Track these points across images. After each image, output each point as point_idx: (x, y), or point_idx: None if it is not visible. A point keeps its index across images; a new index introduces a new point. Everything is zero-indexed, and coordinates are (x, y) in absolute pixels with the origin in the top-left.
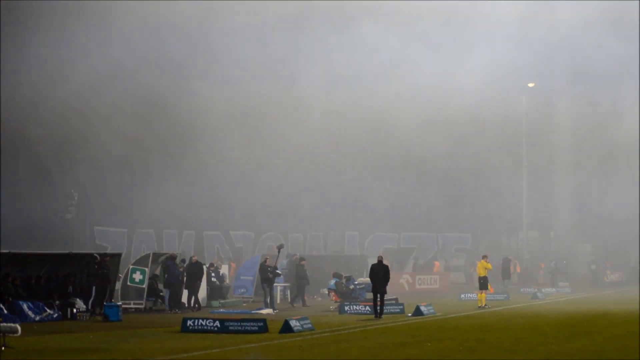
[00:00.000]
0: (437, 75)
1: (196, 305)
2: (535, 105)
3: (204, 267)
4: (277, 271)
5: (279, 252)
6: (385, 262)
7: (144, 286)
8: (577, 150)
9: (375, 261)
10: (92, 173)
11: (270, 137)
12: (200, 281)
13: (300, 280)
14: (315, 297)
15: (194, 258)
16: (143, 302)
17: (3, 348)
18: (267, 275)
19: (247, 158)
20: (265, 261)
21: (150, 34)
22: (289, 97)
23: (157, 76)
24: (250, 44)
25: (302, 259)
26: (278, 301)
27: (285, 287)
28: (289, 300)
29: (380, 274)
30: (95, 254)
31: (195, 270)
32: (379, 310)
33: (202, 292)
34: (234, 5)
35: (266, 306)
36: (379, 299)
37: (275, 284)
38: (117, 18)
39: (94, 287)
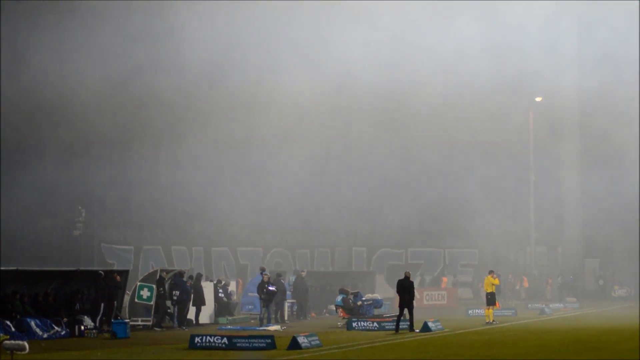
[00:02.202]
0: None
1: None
2: (542, 119)
3: (212, 283)
4: (270, 288)
5: (261, 274)
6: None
7: (151, 303)
8: (584, 163)
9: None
10: (99, 189)
11: (278, 153)
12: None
13: (299, 294)
14: (324, 312)
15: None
16: (151, 319)
17: None
18: (261, 294)
19: (255, 173)
20: (263, 279)
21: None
22: (294, 107)
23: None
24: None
25: (279, 274)
26: (286, 317)
27: (292, 303)
28: (296, 315)
29: (406, 290)
30: (100, 271)
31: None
32: (408, 324)
33: (210, 309)
34: None
35: (262, 323)
36: (405, 314)
37: (285, 301)
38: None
39: (102, 304)
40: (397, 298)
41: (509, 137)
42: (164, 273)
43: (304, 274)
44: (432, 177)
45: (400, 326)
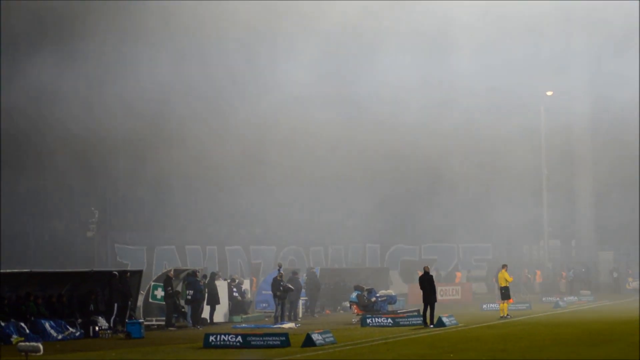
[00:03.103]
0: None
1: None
2: (554, 113)
3: (226, 282)
4: (289, 286)
5: (279, 270)
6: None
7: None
8: (597, 157)
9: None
10: (112, 190)
11: (287, 151)
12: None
13: (310, 291)
14: (338, 309)
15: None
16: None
17: None
18: (276, 291)
19: (269, 172)
20: (278, 276)
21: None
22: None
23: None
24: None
25: (294, 272)
26: (300, 315)
27: (305, 300)
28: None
29: (428, 285)
30: (114, 272)
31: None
32: (429, 319)
33: (224, 308)
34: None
35: (277, 321)
36: (428, 309)
37: (300, 299)
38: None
39: (115, 305)
40: (420, 293)
41: (520, 131)
42: (171, 272)
43: (297, 276)
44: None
45: (414, 321)
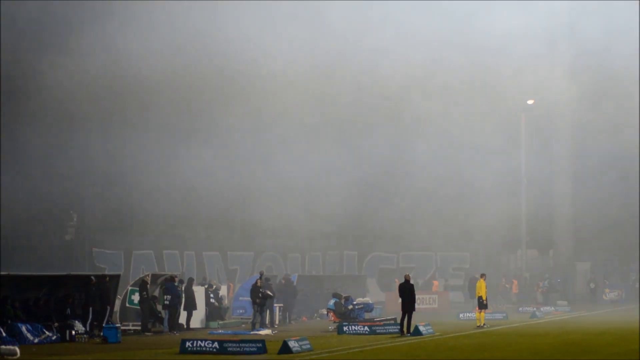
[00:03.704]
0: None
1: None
2: (535, 122)
3: (203, 288)
4: (267, 292)
5: (260, 277)
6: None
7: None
8: (576, 165)
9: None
10: (90, 192)
11: (269, 157)
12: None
13: (285, 298)
14: (315, 316)
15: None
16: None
17: None
18: (256, 297)
19: (246, 177)
20: (258, 283)
21: None
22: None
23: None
24: None
25: (267, 278)
26: (277, 322)
27: (281, 306)
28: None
29: (407, 293)
30: (91, 276)
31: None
32: (405, 328)
33: (201, 314)
34: None
35: (254, 327)
36: (406, 317)
37: (274, 305)
38: None
39: (91, 309)
40: (398, 301)
41: (500, 139)
42: (147, 277)
43: (290, 277)
44: (423, 180)
45: (391, 330)
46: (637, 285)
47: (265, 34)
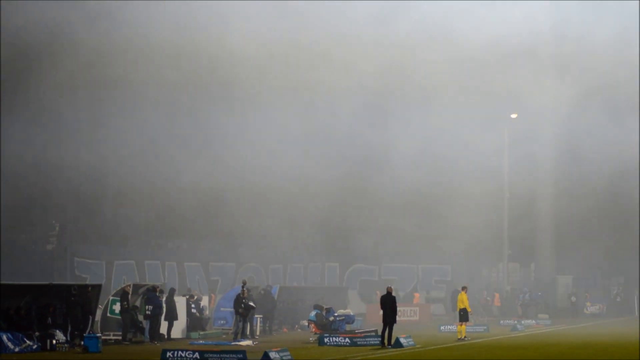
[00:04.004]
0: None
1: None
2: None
3: (185, 298)
4: (250, 303)
5: (242, 287)
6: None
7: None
8: (558, 179)
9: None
10: (73, 204)
11: (253, 167)
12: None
13: (265, 309)
14: (296, 327)
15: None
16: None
17: None
18: (238, 308)
19: (229, 187)
20: (241, 293)
21: None
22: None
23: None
24: None
25: (248, 289)
26: (258, 333)
27: (262, 317)
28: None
29: (389, 305)
30: (74, 286)
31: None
32: (386, 340)
33: (182, 324)
34: None
35: (236, 337)
36: (387, 329)
37: (255, 316)
38: None
39: (69, 319)
40: (379, 313)
41: (483, 152)
42: (128, 287)
43: (269, 288)
44: (405, 192)
45: (372, 341)
46: (618, 300)
47: None
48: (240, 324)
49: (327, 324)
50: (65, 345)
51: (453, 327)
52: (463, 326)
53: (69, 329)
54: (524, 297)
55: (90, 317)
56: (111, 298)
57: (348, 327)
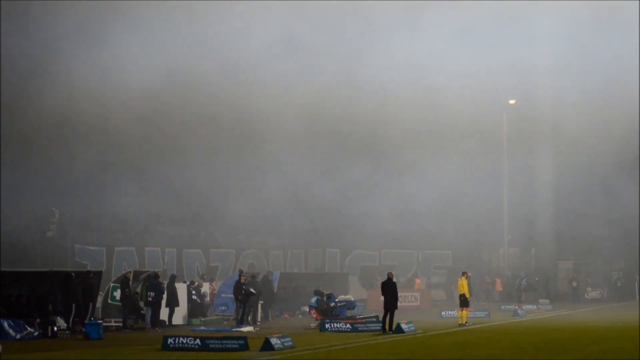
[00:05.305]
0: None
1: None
2: (517, 121)
3: (185, 285)
4: (251, 289)
5: (239, 274)
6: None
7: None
8: (558, 165)
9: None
10: (73, 190)
11: (252, 155)
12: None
13: (265, 295)
14: (297, 313)
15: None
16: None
17: None
18: (238, 294)
19: (229, 175)
20: (241, 280)
21: None
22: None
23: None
24: None
25: (253, 275)
26: (259, 319)
27: (261, 304)
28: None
29: (390, 291)
30: (72, 272)
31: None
32: (387, 325)
33: (183, 310)
34: None
35: (238, 324)
36: (388, 315)
37: (259, 302)
38: None
39: (73, 305)
40: (380, 299)
41: (482, 139)
42: (129, 274)
43: (270, 274)
44: (406, 179)
45: (373, 327)
46: (619, 285)
47: None
48: (240, 310)
49: (328, 310)
50: (67, 331)
51: (454, 313)
52: (464, 311)
53: (70, 315)
54: (521, 282)
55: (91, 303)
56: (112, 284)
57: (349, 313)
